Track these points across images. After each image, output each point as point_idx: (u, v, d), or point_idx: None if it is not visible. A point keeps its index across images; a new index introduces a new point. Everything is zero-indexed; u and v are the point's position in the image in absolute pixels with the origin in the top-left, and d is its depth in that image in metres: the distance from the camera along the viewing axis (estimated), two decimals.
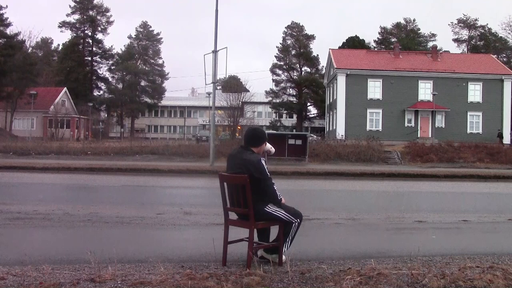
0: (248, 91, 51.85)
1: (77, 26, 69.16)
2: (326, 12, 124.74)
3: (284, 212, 4.62)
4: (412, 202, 11.83)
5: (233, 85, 51.49)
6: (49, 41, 79.34)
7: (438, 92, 39.97)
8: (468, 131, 42.18)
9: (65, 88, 60.01)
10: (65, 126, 52.93)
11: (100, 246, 5.34)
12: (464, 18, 69.59)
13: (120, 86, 69.30)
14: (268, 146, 4.97)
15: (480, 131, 42.22)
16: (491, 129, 41.53)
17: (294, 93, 65.05)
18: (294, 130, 58.78)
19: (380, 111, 42.28)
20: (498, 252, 5.57)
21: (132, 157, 28.26)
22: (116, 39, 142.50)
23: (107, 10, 69.51)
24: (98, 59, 70.83)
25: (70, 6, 68.85)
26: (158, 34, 73.10)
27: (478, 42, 69.85)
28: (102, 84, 71.48)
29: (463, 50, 69.35)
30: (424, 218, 8.44)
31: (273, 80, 65.98)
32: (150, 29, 72.92)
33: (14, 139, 38.95)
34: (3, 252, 5.33)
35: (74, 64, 65.57)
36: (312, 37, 66.22)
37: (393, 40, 66.94)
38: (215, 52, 22.68)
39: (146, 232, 6.86)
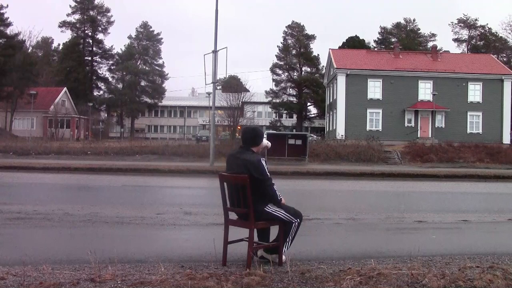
0: (248, 91, 51.82)
1: (77, 26, 69.15)
2: (326, 12, 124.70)
3: (284, 212, 4.62)
4: (412, 202, 11.82)
5: (233, 85, 51.45)
6: (49, 41, 79.26)
7: (438, 92, 39.95)
8: (468, 131, 42.14)
9: (65, 88, 60.01)
10: (65, 126, 52.98)
11: (100, 246, 5.33)
12: (464, 18, 69.57)
13: (120, 86, 69.29)
14: (265, 141, 4.94)
15: (480, 131, 42.18)
16: (491, 129, 41.53)
17: (294, 93, 65.02)
18: (294, 130, 58.77)
19: (380, 111, 42.24)
20: (498, 252, 5.57)
21: (132, 157, 28.24)
22: (116, 39, 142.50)
23: (107, 10, 69.64)
24: (98, 59, 70.89)
25: (70, 6, 68.89)
26: (158, 34, 73.11)
27: (478, 42, 69.79)
28: (102, 84, 71.53)
29: (463, 50, 69.37)
30: (424, 218, 8.44)
31: (273, 80, 66.03)
32: (150, 29, 72.92)
33: (14, 139, 38.89)
34: (3, 252, 5.32)
35: (74, 64, 65.57)
36: (312, 37, 66.20)
37: (393, 40, 66.87)
38: (215, 52, 22.68)
39: (146, 232, 6.85)
